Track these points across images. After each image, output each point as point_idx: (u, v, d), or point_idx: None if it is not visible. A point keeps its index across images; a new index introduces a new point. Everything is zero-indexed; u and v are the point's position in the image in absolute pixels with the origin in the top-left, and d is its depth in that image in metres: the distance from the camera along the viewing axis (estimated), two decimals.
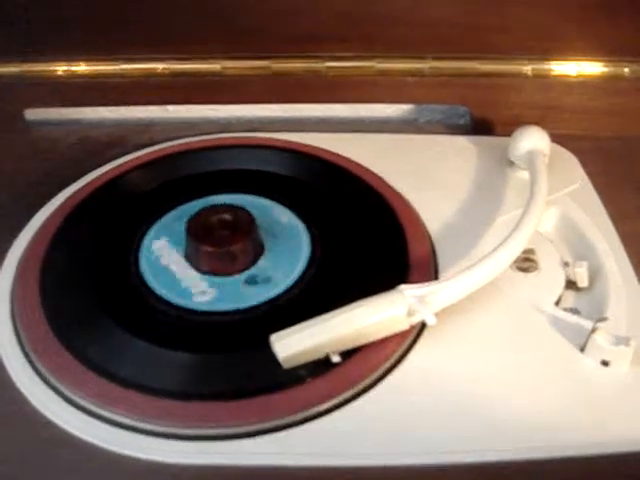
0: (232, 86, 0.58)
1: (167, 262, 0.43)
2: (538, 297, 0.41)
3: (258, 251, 0.43)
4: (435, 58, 0.56)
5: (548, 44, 0.55)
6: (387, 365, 0.37)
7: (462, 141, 0.55)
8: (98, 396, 0.35)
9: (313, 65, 0.57)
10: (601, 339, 0.36)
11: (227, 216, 0.43)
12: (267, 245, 0.44)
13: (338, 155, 0.52)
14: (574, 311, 0.41)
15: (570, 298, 0.43)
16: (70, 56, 0.57)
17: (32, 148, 0.57)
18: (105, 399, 0.34)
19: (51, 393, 0.36)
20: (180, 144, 0.54)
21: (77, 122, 0.61)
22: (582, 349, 0.37)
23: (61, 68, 0.57)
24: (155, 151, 0.53)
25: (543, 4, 0.53)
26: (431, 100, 0.60)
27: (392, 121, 0.63)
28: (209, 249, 0.41)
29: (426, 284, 0.37)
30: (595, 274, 0.43)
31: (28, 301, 0.40)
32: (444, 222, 0.46)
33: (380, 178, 0.49)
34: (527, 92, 0.57)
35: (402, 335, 0.37)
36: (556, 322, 0.39)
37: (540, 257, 0.43)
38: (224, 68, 0.57)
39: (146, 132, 0.58)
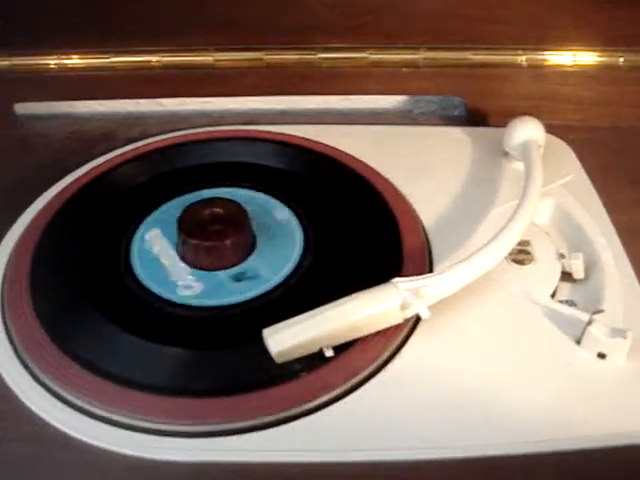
0: (225, 78, 0.57)
1: (159, 256, 0.42)
2: (534, 289, 0.40)
3: (250, 245, 0.43)
4: (429, 49, 0.56)
5: (543, 34, 0.55)
6: (382, 359, 0.36)
7: (457, 132, 0.55)
8: (89, 393, 0.34)
9: (306, 57, 0.56)
10: (597, 331, 0.36)
11: (219, 210, 0.43)
12: (260, 239, 0.44)
13: (332, 147, 0.51)
14: (570, 303, 0.41)
15: (566, 290, 0.42)
16: (61, 49, 0.56)
17: (22, 143, 0.56)
18: (96, 396, 0.34)
19: (43, 391, 0.35)
20: (172, 137, 0.53)
21: (68, 116, 0.61)
22: (578, 341, 0.37)
23: (52, 61, 0.57)
24: (147, 144, 0.53)
25: None
26: (425, 91, 0.60)
27: (386, 113, 0.62)
28: (200, 243, 0.41)
29: (420, 277, 0.37)
30: (591, 266, 0.42)
31: (18, 297, 0.39)
32: (438, 214, 0.46)
33: (374, 170, 0.49)
34: (522, 83, 0.56)
35: (397, 328, 0.37)
36: (552, 314, 0.39)
37: (535, 249, 0.43)
38: (216, 60, 0.56)
39: (138, 126, 0.57)
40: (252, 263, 0.42)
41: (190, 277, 0.41)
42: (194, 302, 0.40)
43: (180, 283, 0.41)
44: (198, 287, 0.40)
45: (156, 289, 0.40)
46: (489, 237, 0.39)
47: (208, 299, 0.40)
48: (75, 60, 0.57)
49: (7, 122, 0.58)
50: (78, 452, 0.33)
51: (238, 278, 0.41)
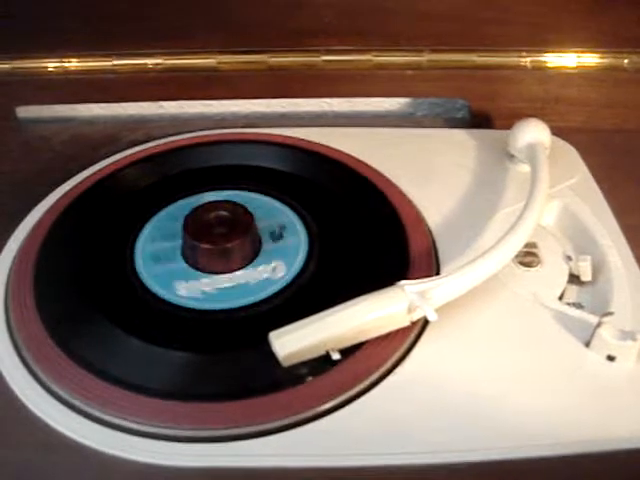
0: (228, 81, 0.57)
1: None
2: (541, 292, 0.40)
3: (256, 248, 0.43)
4: (433, 51, 0.56)
5: (546, 36, 0.55)
6: (390, 362, 0.36)
7: (461, 134, 0.54)
8: (96, 398, 0.34)
9: (310, 59, 0.56)
10: (607, 334, 0.36)
11: (225, 213, 0.43)
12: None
13: (336, 150, 0.51)
14: (577, 305, 0.41)
15: (573, 292, 0.42)
16: (63, 53, 0.56)
17: (24, 146, 0.56)
18: (103, 401, 0.34)
19: (48, 397, 0.35)
20: (175, 140, 0.53)
21: (70, 119, 0.61)
22: (587, 344, 0.37)
23: (54, 65, 0.57)
24: (150, 148, 0.52)
25: None
26: (429, 93, 0.59)
27: (390, 115, 0.62)
28: (206, 246, 0.41)
29: (427, 279, 0.37)
30: (598, 268, 0.42)
31: (22, 300, 0.39)
32: (444, 216, 0.46)
33: (379, 172, 0.49)
34: (526, 84, 0.56)
35: (405, 331, 0.37)
36: (560, 317, 0.39)
37: (542, 251, 0.43)
38: (219, 63, 0.56)
39: (140, 129, 0.57)
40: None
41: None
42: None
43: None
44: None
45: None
46: (495, 239, 0.39)
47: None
48: (77, 63, 0.57)
49: (9, 125, 0.58)
50: (84, 458, 0.33)
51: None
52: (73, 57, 0.57)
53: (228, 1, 0.53)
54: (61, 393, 0.35)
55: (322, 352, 0.35)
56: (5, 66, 0.56)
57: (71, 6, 0.53)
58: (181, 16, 0.54)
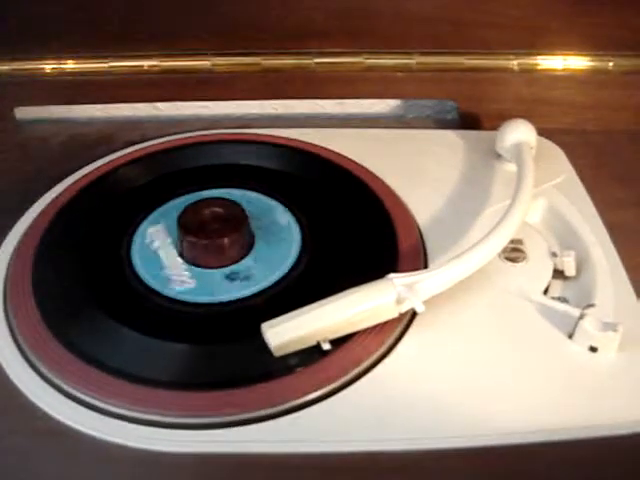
0: (222, 83, 0.58)
1: (160, 254, 0.43)
2: (526, 286, 0.41)
3: (249, 243, 0.44)
4: (423, 54, 0.57)
5: (534, 39, 0.56)
6: (378, 353, 0.37)
7: (450, 135, 0.55)
8: (89, 386, 0.35)
9: (302, 61, 0.57)
10: (589, 325, 0.37)
11: (219, 209, 0.44)
12: (258, 237, 0.44)
13: (328, 149, 0.52)
14: (562, 300, 0.42)
15: (558, 287, 0.43)
16: (60, 54, 0.57)
17: (22, 146, 0.57)
18: (97, 389, 0.35)
19: (46, 386, 0.36)
20: (170, 140, 0.54)
21: (67, 120, 0.61)
22: (570, 336, 0.38)
23: (51, 66, 0.57)
24: (145, 147, 0.53)
25: None
26: (419, 95, 0.61)
27: (380, 117, 0.63)
28: (199, 241, 0.42)
29: (415, 272, 0.38)
30: (582, 263, 0.43)
31: (21, 294, 0.40)
32: (433, 214, 0.47)
33: (370, 172, 0.50)
34: (514, 86, 0.57)
35: (393, 323, 0.38)
36: (544, 310, 0.40)
37: (528, 247, 0.44)
38: (214, 65, 0.57)
39: (136, 129, 0.58)
40: (250, 261, 0.43)
41: (188, 274, 0.42)
42: (194, 299, 0.40)
43: (177, 279, 0.41)
44: (194, 284, 0.41)
45: (157, 286, 0.41)
46: (482, 236, 0.40)
47: (207, 296, 0.40)
48: (74, 65, 0.57)
49: (7, 126, 0.58)
50: (82, 444, 0.33)
51: (235, 276, 0.42)
52: (70, 59, 0.57)
53: (222, 4, 0.54)
54: (59, 383, 0.35)
55: (313, 342, 0.36)
56: (4, 67, 0.56)
57: (68, 8, 0.54)
58: (176, 18, 0.55)
